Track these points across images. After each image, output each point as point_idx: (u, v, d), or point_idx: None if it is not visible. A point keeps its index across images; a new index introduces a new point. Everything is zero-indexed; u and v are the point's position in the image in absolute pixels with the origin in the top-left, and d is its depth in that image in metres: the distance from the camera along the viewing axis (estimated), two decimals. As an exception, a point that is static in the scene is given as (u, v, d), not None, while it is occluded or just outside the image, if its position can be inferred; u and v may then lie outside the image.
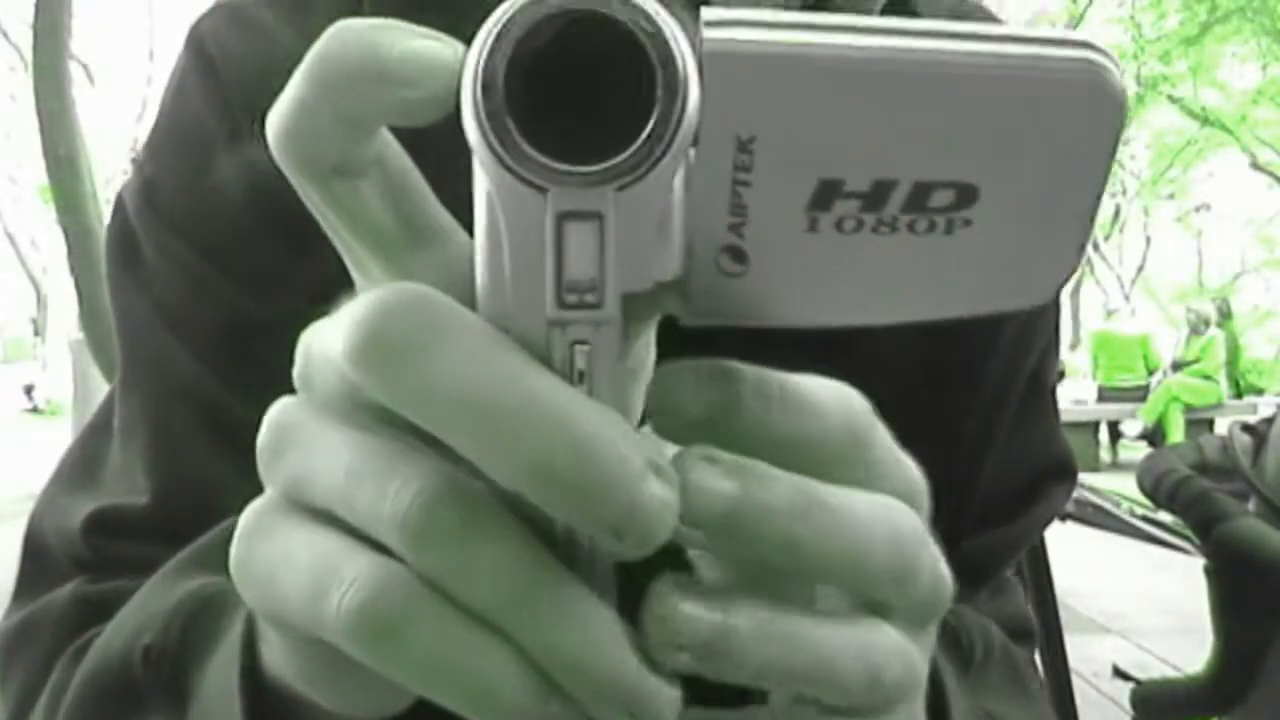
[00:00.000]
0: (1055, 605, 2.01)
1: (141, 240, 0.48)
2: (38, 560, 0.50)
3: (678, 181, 0.21)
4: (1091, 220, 0.22)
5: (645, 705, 0.21)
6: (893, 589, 0.24)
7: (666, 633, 0.22)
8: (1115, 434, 9.74)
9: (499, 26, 0.19)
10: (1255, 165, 17.22)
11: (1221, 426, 5.76)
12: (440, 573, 0.21)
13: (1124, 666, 1.40)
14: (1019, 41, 0.20)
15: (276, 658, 0.28)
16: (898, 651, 0.24)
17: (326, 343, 0.22)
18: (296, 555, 0.22)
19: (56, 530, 0.49)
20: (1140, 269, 21.03)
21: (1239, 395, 10.35)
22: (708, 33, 0.19)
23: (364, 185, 0.23)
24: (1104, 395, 9.71)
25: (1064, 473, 0.54)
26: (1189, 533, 1.32)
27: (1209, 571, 1.22)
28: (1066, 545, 2.23)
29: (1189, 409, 9.08)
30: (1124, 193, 20.10)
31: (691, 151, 0.20)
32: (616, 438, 0.20)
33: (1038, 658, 1.93)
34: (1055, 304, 0.52)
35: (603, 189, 0.19)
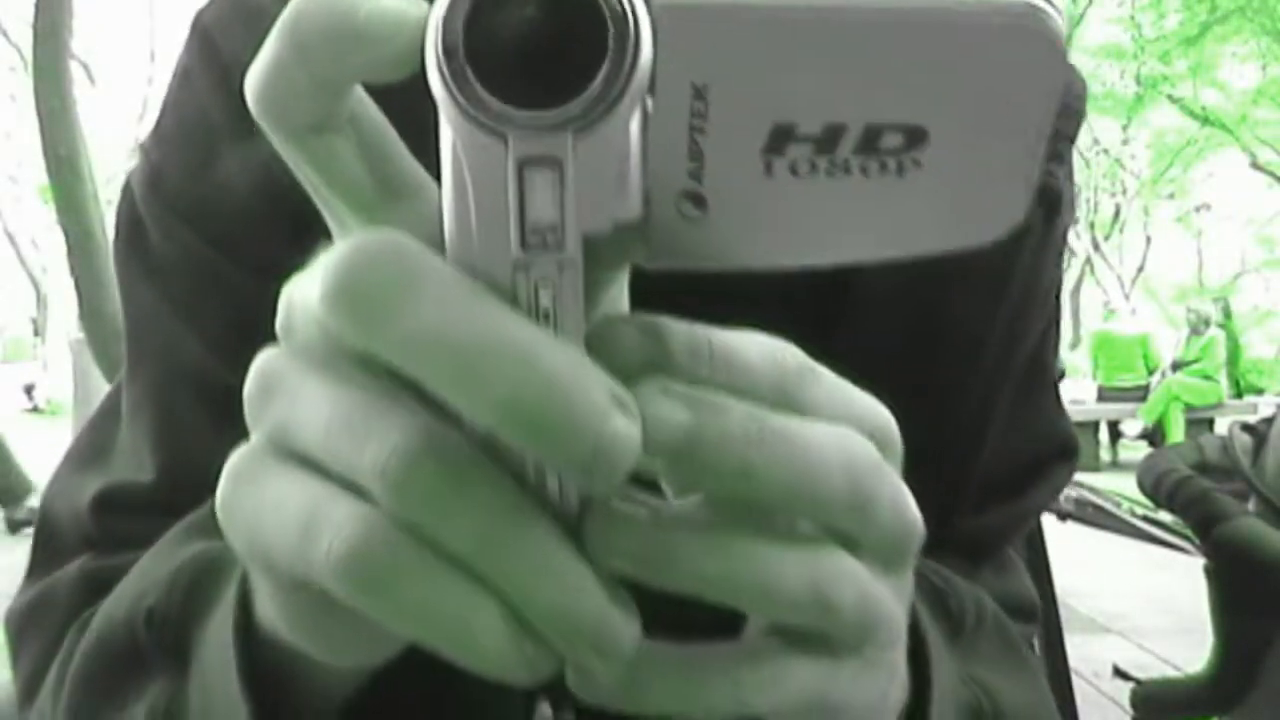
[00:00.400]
0: (1055, 605, 2.02)
1: (149, 226, 0.49)
2: (49, 540, 0.51)
3: (634, 128, 0.22)
4: (1038, 162, 0.23)
5: (610, 642, 0.22)
6: (852, 518, 0.25)
7: (607, 539, 0.23)
8: (1115, 434, 9.74)
9: None
10: (1255, 165, 17.22)
11: (1221, 426, 5.76)
12: (421, 522, 0.22)
13: (1124, 666, 1.40)
14: None
15: (267, 608, 0.29)
16: (852, 578, 0.25)
17: (305, 292, 0.23)
18: (283, 500, 0.23)
19: (67, 510, 0.50)
20: (1140, 269, 21.03)
21: (1239, 395, 10.35)
22: None
23: (340, 142, 0.23)
24: (1104, 395, 9.71)
25: (1066, 453, 0.55)
26: (1189, 533, 1.32)
27: (1209, 571, 1.22)
28: (1066, 545, 2.23)
29: (1189, 409, 9.08)
30: (1124, 193, 20.10)
31: (649, 100, 0.21)
32: (582, 374, 0.21)
33: (1038, 658, 1.92)
34: (1056, 287, 0.53)
35: (560, 135, 0.20)
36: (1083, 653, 2.25)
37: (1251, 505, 1.28)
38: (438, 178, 0.23)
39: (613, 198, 0.22)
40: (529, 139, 0.20)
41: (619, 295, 0.25)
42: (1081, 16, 16.51)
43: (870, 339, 0.41)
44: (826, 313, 0.42)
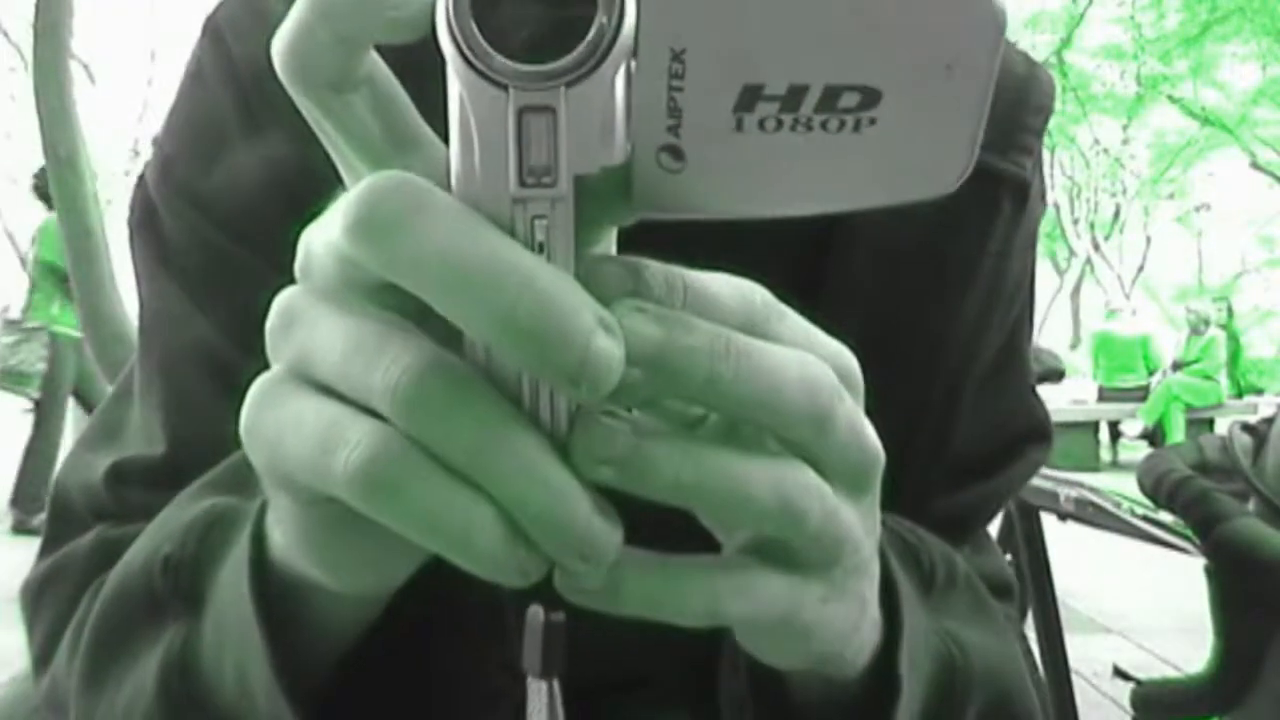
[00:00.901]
0: (1055, 605, 2.02)
1: (161, 213, 0.51)
2: (62, 516, 0.53)
3: (619, 84, 0.24)
4: (980, 121, 0.25)
5: (594, 547, 0.25)
6: (811, 432, 0.27)
7: (591, 444, 0.25)
8: (1115, 434, 9.73)
9: None
10: (1255, 165, 17.22)
11: (1221, 426, 5.77)
12: (428, 437, 0.24)
13: (1124, 666, 1.40)
14: None
15: (283, 534, 0.31)
16: (816, 491, 0.27)
17: (324, 233, 0.26)
18: (303, 420, 0.26)
19: (80, 486, 0.52)
20: (1140, 269, 21.02)
21: (1239, 395, 10.35)
22: None
23: (356, 99, 0.26)
24: (1104, 395, 9.71)
25: (1040, 435, 0.57)
26: (1189, 533, 1.32)
27: (1209, 571, 1.22)
28: (1066, 545, 2.23)
29: (1189, 409, 9.08)
30: (1124, 193, 20.10)
31: (632, 63, 0.24)
32: (571, 295, 0.24)
33: (1038, 658, 1.94)
34: (1029, 276, 0.55)
35: (554, 87, 0.23)
36: (1083, 653, 2.25)
37: (1251, 505, 1.28)
38: (439, 132, 0.27)
39: (599, 145, 0.24)
40: (527, 90, 0.23)
41: (608, 249, 0.28)
42: (1081, 16, 16.51)
43: (848, 306, 0.43)
44: (806, 282, 0.43)
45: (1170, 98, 17.32)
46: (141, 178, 0.53)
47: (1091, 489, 1.80)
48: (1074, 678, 1.97)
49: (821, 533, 0.28)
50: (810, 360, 0.27)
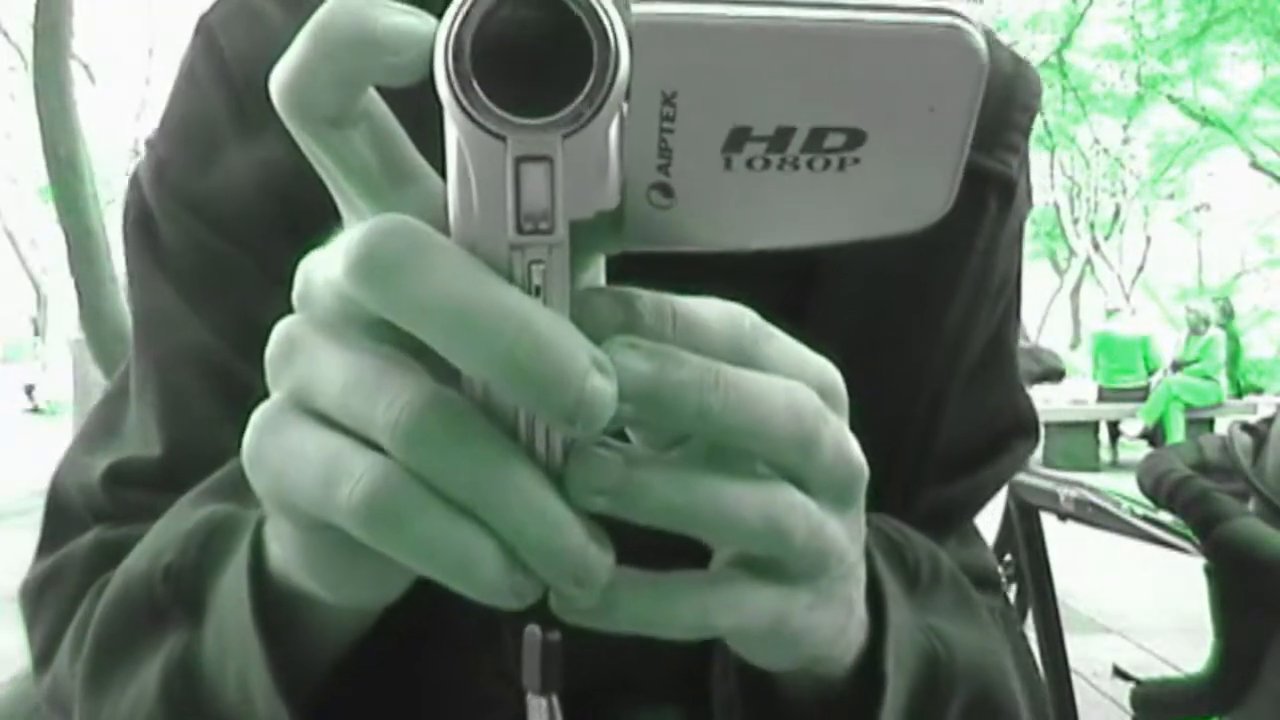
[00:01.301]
0: (1055, 605, 2.02)
1: (156, 215, 0.51)
2: (60, 516, 0.53)
3: (613, 130, 0.25)
4: (961, 158, 0.26)
5: (588, 573, 0.26)
6: (798, 455, 0.28)
7: (585, 475, 0.26)
8: (1114, 434, 9.73)
9: (466, 5, 0.23)
10: (1255, 165, 17.22)
11: (1221, 426, 5.77)
12: (428, 470, 0.25)
13: (1124, 666, 1.40)
14: (894, 10, 0.24)
15: (283, 551, 0.32)
16: (802, 510, 0.28)
17: (325, 266, 0.26)
18: (305, 451, 0.26)
19: (78, 487, 0.53)
20: (1140, 269, 21.02)
21: (1239, 395, 10.35)
22: (636, 6, 0.23)
23: (354, 135, 0.27)
24: (1104, 396, 9.71)
25: (1026, 429, 0.58)
26: (1189, 533, 1.32)
27: (1209, 571, 1.22)
28: (1066, 545, 2.23)
29: (1189, 409, 9.08)
30: (1124, 193, 20.10)
31: (624, 105, 0.25)
32: (568, 337, 0.24)
33: (1038, 658, 1.93)
34: (1015, 272, 0.56)
35: (551, 136, 0.24)
36: (1083, 653, 2.25)
37: (1251, 505, 1.28)
38: (436, 168, 0.27)
39: (595, 189, 0.25)
40: (525, 140, 0.24)
41: (596, 275, 0.29)
42: (1081, 16, 16.51)
43: (835, 324, 0.43)
44: (793, 303, 0.44)
45: (1170, 98, 17.32)
46: (135, 179, 0.53)
47: (1091, 489, 1.80)
48: (1074, 678, 1.97)
49: (808, 548, 0.29)
50: (795, 388, 0.28)
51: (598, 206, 0.25)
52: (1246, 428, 1.34)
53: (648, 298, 0.27)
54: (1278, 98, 16.52)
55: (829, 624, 0.32)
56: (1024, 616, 2.04)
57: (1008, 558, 2.10)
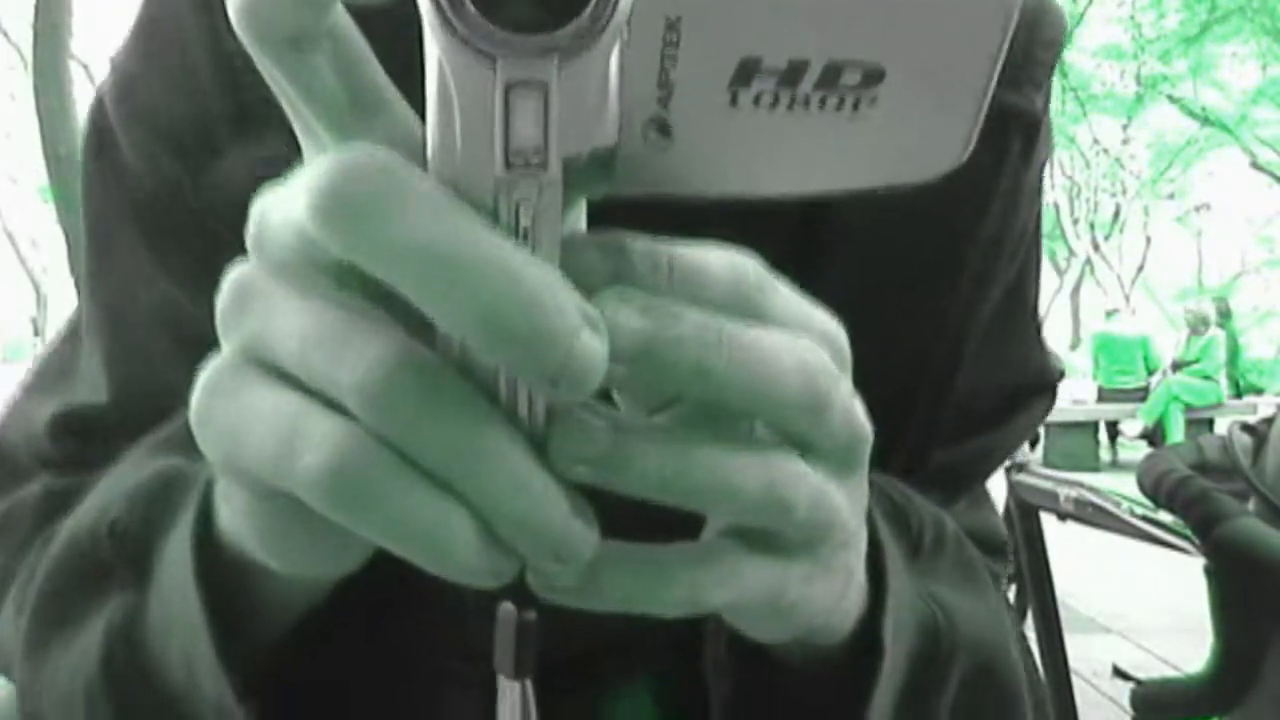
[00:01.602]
0: (1055, 605, 2.02)
1: (119, 135, 0.47)
2: (5, 465, 0.50)
3: (614, 56, 0.22)
4: (983, 106, 0.24)
5: (570, 550, 0.24)
6: (807, 420, 0.26)
7: (569, 444, 0.24)
8: (1113, 434, 9.73)
9: None
10: (1255, 165, 17.22)
11: (1221, 426, 5.77)
12: (398, 436, 0.23)
13: (1124, 666, 1.40)
14: None
15: (233, 517, 0.29)
16: (805, 480, 0.26)
17: (285, 204, 0.23)
18: (259, 413, 0.24)
19: (23, 435, 0.50)
20: (1140, 269, 21.02)
21: (1239, 395, 10.35)
22: None
23: (317, 57, 0.24)
24: (1104, 395, 9.71)
25: (1044, 387, 0.55)
26: (1189, 533, 1.32)
27: (1209, 571, 1.22)
28: (1066, 545, 2.23)
29: (1189, 409, 9.08)
30: (1124, 193, 20.10)
31: (625, 31, 0.22)
32: (556, 290, 0.22)
33: (1038, 658, 1.93)
34: (1035, 220, 0.52)
35: (547, 61, 0.21)
36: (1083, 653, 2.25)
37: (1251, 505, 1.28)
38: (409, 98, 0.24)
39: (593, 124, 0.23)
40: (517, 63, 0.21)
41: (577, 223, 0.26)
42: (1081, 16, 16.51)
43: (850, 272, 0.41)
44: (806, 247, 0.42)
45: (1170, 98, 17.32)
46: (98, 99, 0.48)
47: (1091, 489, 1.80)
48: (1074, 678, 1.97)
49: (809, 519, 0.27)
50: (806, 346, 0.26)
51: (594, 143, 0.23)
52: (1246, 428, 1.34)
53: (642, 245, 0.25)
54: (1278, 98, 16.53)
55: (827, 594, 0.30)
56: (1024, 616, 2.04)
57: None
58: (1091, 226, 19.42)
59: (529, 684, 0.32)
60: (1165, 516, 1.50)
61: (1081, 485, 1.84)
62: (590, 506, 0.24)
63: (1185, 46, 16.10)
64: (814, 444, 0.27)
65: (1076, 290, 20.10)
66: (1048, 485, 1.93)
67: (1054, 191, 18.86)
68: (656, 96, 0.23)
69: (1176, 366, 9.45)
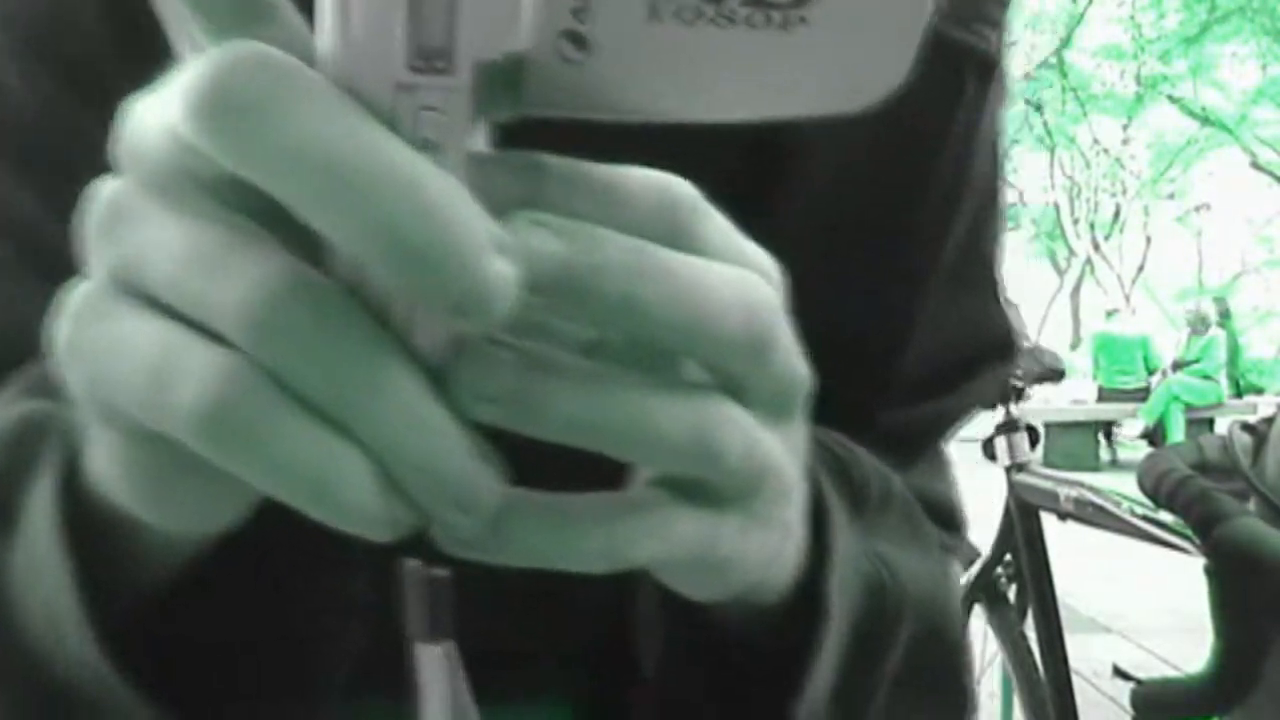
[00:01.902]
0: (1055, 605, 2.02)
1: (3, 60, 0.43)
2: None
3: None
4: (921, 26, 0.23)
5: (473, 497, 0.22)
6: (746, 360, 0.24)
7: (473, 380, 0.21)
8: (1109, 434, 9.74)
9: None
10: (1255, 165, 17.23)
11: (1221, 426, 5.77)
12: (284, 368, 0.20)
13: (1124, 666, 1.40)
14: None
15: (103, 465, 0.26)
16: (738, 425, 0.24)
17: (159, 110, 0.21)
18: (131, 344, 0.21)
19: None
20: (1140, 269, 21.02)
21: (1239, 395, 10.36)
22: None
23: None
24: (1104, 395, 9.72)
25: (1003, 351, 0.52)
26: (1189, 533, 1.32)
27: (1209, 571, 1.22)
28: (1066, 545, 2.23)
29: (1189, 409, 9.09)
30: (1124, 193, 20.10)
31: None
32: (463, 208, 0.20)
33: (1038, 658, 1.92)
34: (994, 170, 0.49)
35: None
36: (1083, 653, 2.25)
37: (1251, 505, 1.28)
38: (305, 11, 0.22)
39: (505, 24, 0.20)
40: None
41: (481, 142, 0.24)
42: (1081, 16, 16.52)
43: (798, 213, 0.39)
44: (751, 184, 0.39)
45: (1170, 98, 17.33)
46: None
47: (1091, 489, 1.80)
48: (1074, 678, 1.97)
49: (742, 468, 0.25)
50: (748, 277, 0.24)
51: (506, 47, 0.21)
52: (1246, 428, 1.34)
53: (561, 164, 0.22)
54: (1278, 98, 16.53)
55: (762, 548, 0.27)
56: (1024, 616, 2.04)
57: (1008, 558, 2.10)
58: (1091, 226, 19.43)
59: (452, 647, 0.29)
60: (1165, 516, 1.50)
61: (1081, 485, 1.84)
62: (493, 449, 0.22)
63: (1185, 46, 16.11)
64: (751, 387, 0.25)
65: (1076, 290, 20.11)
66: (1048, 485, 1.93)
67: (1054, 191, 18.87)
68: (570, 7, 0.21)
69: (1177, 366, 9.46)
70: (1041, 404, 8.84)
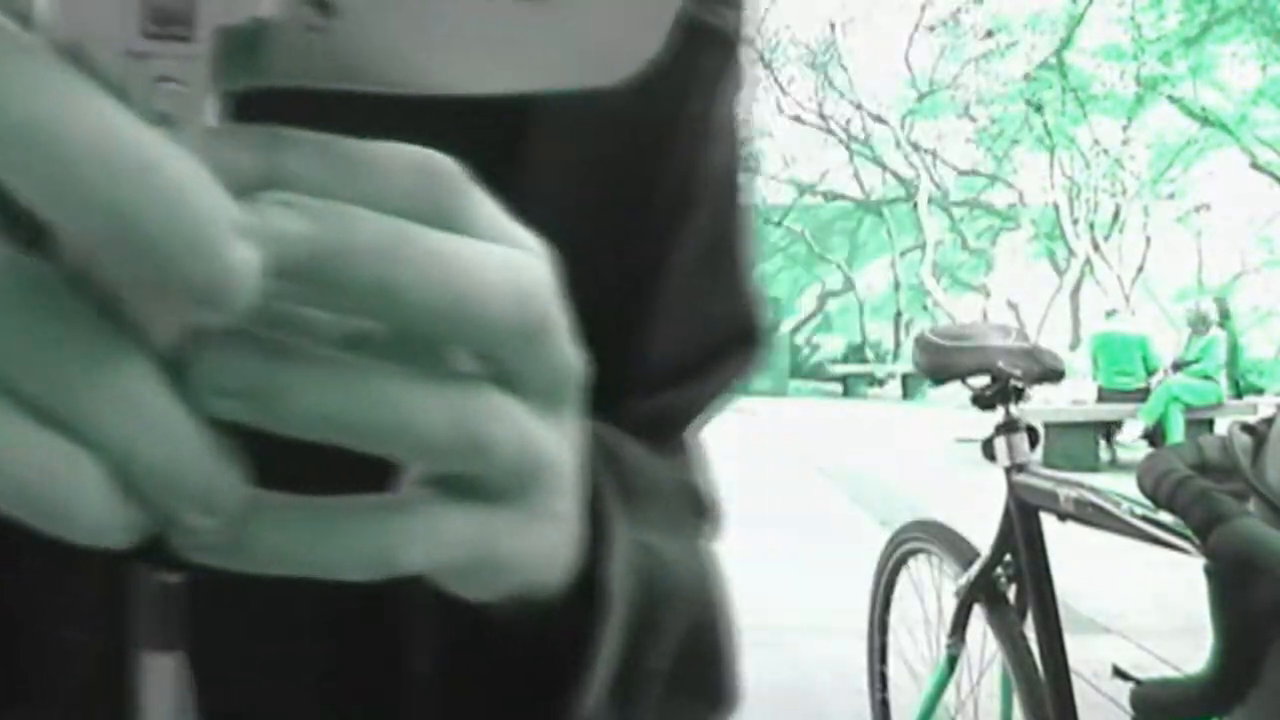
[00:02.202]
0: (1055, 605, 2.02)
1: None
2: None
3: None
4: (676, 2, 0.22)
5: (216, 501, 0.20)
6: (519, 347, 0.23)
7: (213, 374, 0.20)
8: (1109, 435, 9.75)
9: None
10: (1255, 165, 17.23)
11: (1221, 427, 5.77)
12: (1, 366, 0.19)
13: (1124, 666, 1.40)
14: None
15: None
16: (509, 417, 0.23)
17: None
18: None
19: None
20: (1140, 269, 21.03)
21: (1239, 395, 10.37)
22: None
23: None
24: (1104, 396, 9.73)
25: (747, 337, 0.50)
26: (1189, 533, 1.32)
27: (1209, 571, 1.22)
28: (1066, 545, 2.23)
29: (1189, 409, 9.09)
30: (1124, 193, 20.10)
31: None
32: (202, 188, 0.18)
33: (1038, 658, 1.92)
34: (738, 170, 0.48)
35: None
36: (1083, 653, 2.25)
37: (1251, 505, 1.28)
38: None
39: None
40: None
41: (217, 115, 0.23)
42: (1081, 16, 16.52)
43: (549, 195, 0.37)
44: (505, 165, 0.37)
45: (1170, 98, 17.33)
46: None
47: (1091, 489, 1.80)
48: (1074, 678, 1.97)
49: (515, 463, 0.23)
50: (519, 259, 0.22)
51: (250, 12, 0.19)
52: (1246, 428, 1.34)
53: (308, 139, 0.21)
54: (1278, 98, 16.53)
55: (540, 545, 0.26)
56: (1024, 616, 2.04)
57: (1008, 558, 2.10)
58: (1091, 226, 19.43)
59: (181, 660, 0.26)
60: (1165, 516, 1.50)
61: (1081, 486, 1.84)
62: (233, 447, 0.21)
63: (1185, 47, 16.11)
64: (523, 376, 0.23)
65: (1076, 290, 20.11)
66: (1048, 485, 1.93)
67: (1054, 191, 18.88)
68: None
69: (1177, 366, 9.46)
70: (1041, 404, 8.85)
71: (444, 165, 0.22)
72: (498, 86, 0.23)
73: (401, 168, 0.21)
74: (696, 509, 0.47)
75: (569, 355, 0.24)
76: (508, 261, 0.22)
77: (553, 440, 0.25)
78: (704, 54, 0.43)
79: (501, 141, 0.37)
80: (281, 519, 0.21)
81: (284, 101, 0.22)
